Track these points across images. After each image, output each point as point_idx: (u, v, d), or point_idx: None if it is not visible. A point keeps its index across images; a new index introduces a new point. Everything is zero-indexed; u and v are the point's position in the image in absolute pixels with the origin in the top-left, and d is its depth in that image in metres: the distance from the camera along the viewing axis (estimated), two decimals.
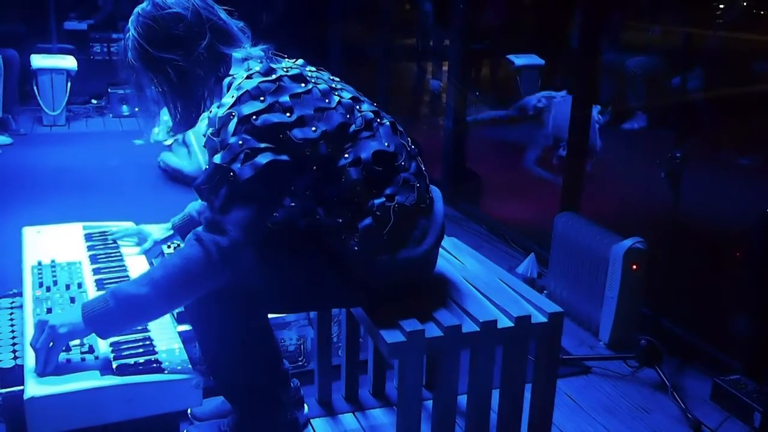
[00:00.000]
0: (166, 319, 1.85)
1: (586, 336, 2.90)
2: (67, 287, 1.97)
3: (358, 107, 1.81)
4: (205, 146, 1.72)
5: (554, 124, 4.70)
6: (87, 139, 5.64)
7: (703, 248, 3.13)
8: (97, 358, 1.65)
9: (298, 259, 1.80)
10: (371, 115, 1.82)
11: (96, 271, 2.10)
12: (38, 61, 5.91)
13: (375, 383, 2.39)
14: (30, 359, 1.60)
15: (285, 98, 1.69)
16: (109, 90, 6.52)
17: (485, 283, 2.00)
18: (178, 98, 1.80)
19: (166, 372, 1.62)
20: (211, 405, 2.16)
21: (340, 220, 1.74)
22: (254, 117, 1.64)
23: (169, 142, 4.57)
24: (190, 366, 1.67)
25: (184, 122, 1.84)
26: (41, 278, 2.01)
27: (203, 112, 1.81)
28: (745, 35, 3.72)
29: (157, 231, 2.28)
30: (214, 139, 1.68)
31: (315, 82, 1.77)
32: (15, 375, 1.67)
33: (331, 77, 1.88)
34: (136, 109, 6.19)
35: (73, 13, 7.42)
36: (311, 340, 2.40)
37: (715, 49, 3.79)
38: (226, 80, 1.77)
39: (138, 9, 1.78)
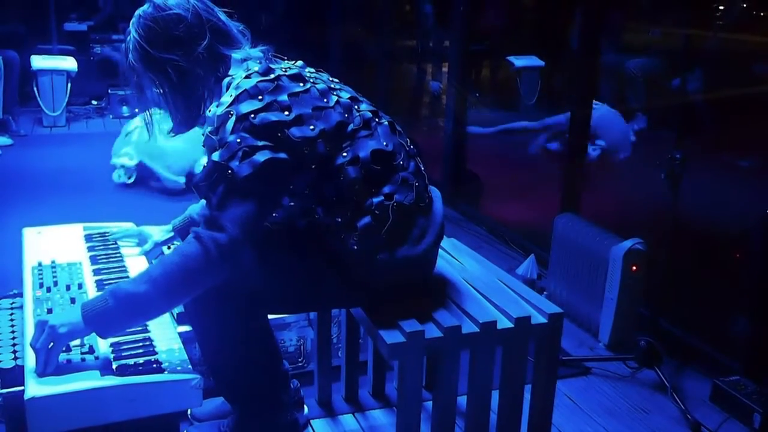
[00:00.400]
0: (166, 320, 1.85)
1: (586, 337, 2.90)
2: (68, 288, 1.97)
3: (356, 107, 1.82)
4: (203, 145, 1.72)
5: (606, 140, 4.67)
6: (87, 140, 5.65)
7: (702, 249, 3.13)
8: (97, 358, 1.65)
9: (297, 259, 1.80)
10: (369, 114, 1.83)
11: (96, 272, 2.10)
12: (38, 62, 5.92)
13: (375, 384, 2.39)
14: (30, 359, 1.60)
15: (283, 97, 1.69)
16: (109, 91, 6.53)
17: (485, 283, 2.00)
18: (178, 98, 1.80)
19: (166, 372, 1.63)
20: (211, 405, 2.16)
21: (339, 220, 1.75)
22: (252, 115, 1.65)
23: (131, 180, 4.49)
24: (190, 366, 1.67)
25: (184, 122, 1.85)
26: (41, 279, 2.02)
27: (203, 112, 1.81)
28: (745, 36, 3.73)
29: (158, 232, 2.28)
30: (213, 137, 1.68)
31: (313, 82, 1.78)
32: (15, 375, 1.67)
33: (330, 78, 1.89)
34: (136, 111, 6.19)
35: (73, 14, 7.42)
36: (311, 340, 2.40)
37: (715, 51, 3.80)
38: (225, 80, 1.78)
39: (139, 11, 1.79)
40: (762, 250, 2.54)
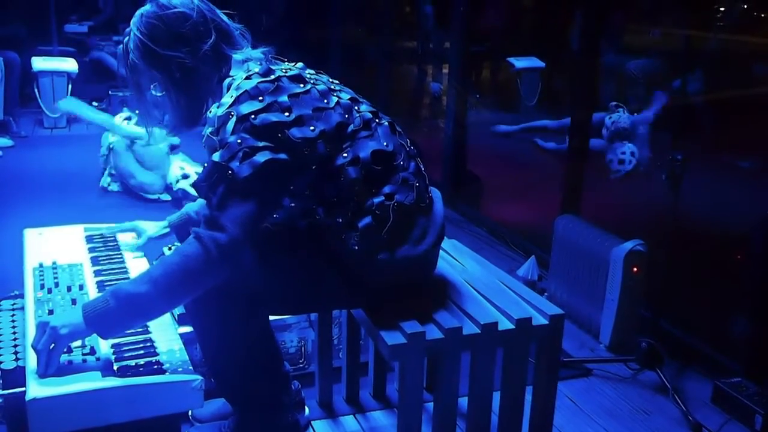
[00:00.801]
0: (167, 321, 1.85)
1: (587, 338, 2.90)
2: (69, 289, 1.97)
3: (356, 108, 1.82)
4: (204, 145, 1.72)
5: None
6: (88, 142, 5.64)
7: (703, 251, 3.13)
8: (98, 359, 1.65)
9: (298, 260, 1.80)
10: (369, 115, 1.83)
11: (97, 273, 2.10)
12: (39, 63, 5.92)
13: (376, 385, 2.39)
14: (31, 360, 1.60)
15: (284, 98, 1.70)
16: (109, 92, 6.53)
17: (486, 285, 2.00)
18: (180, 97, 1.80)
19: (167, 373, 1.63)
20: (212, 407, 2.16)
21: (340, 220, 1.75)
22: (253, 116, 1.65)
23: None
24: (191, 367, 1.67)
25: (184, 122, 1.84)
26: (43, 280, 2.02)
27: (205, 112, 1.81)
28: (745, 37, 3.73)
29: (152, 227, 2.28)
30: (213, 137, 1.69)
31: (314, 83, 1.78)
32: (16, 376, 1.66)
33: (330, 79, 1.89)
34: (136, 112, 6.19)
35: (73, 15, 7.42)
36: (312, 342, 2.40)
37: (715, 52, 3.80)
38: (226, 81, 1.78)
39: (141, 10, 1.79)
40: (763, 251, 2.54)
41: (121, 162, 4.34)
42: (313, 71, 1.87)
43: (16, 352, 1.80)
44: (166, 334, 1.79)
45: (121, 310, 1.59)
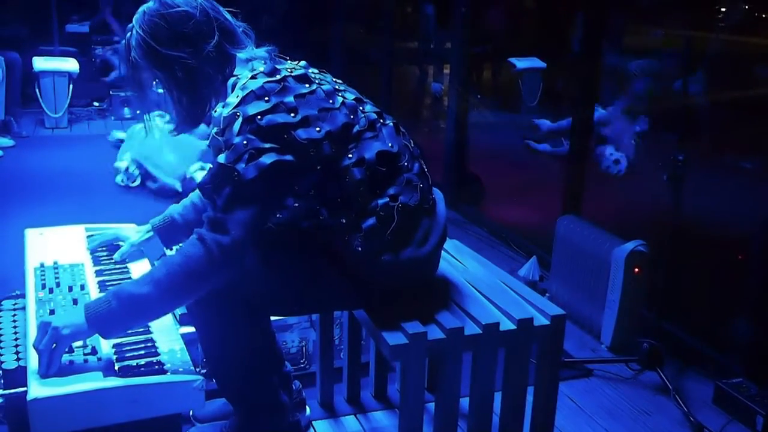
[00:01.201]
0: (169, 321, 1.85)
1: (588, 339, 2.90)
2: (70, 289, 1.97)
3: (361, 108, 1.81)
4: (209, 145, 1.72)
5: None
6: (89, 142, 5.65)
7: (705, 251, 3.13)
8: (99, 359, 1.65)
9: (301, 261, 1.80)
10: (374, 116, 1.82)
11: (98, 273, 2.10)
12: (40, 63, 5.92)
13: (377, 385, 2.39)
14: (33, 360, 1.60)
15: (290, 99, 1.69)
16: (111, 92, 6.54)
17: (487, 285, 2.00)
18: (184, 97, 1.78)
19: (168, 374, 1.62)
20: (212, 406, 2.16)
21: (344, 221, 1.74)
22: (259, 117, 1.65)
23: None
24: (192, 368, 1.67)
25: (188, 122, 1.84)
26: (44, 280, 2.01)
27: (208, 111, 1.80)
28: (746, 38, 3.73)
29: (135, 234, 2.21)
30: (218, 138, 1.68)
31: (319, 83, 1.77)
32: (18, 376, 1.66)
33: (334, 79, 1.88)
34: (138, 112, 6.19)
35: (75, 15, 7.41)
36: (313, 342, 2.40)
37: (717, 53, 3.80)
38: (231, 81, 1.77)
39: (144, 7, 1.77)
40: (764, 251, 2.54)
41: (147, 149, 4.36)
42: (316, 70, 1.86)
43: (17, 352, 1.80)
44: (168, 334, 1.79)
45: (123, 311, 1.59)
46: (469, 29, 4.35)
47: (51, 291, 1.95)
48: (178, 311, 2.07)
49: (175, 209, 2.16)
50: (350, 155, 1.74)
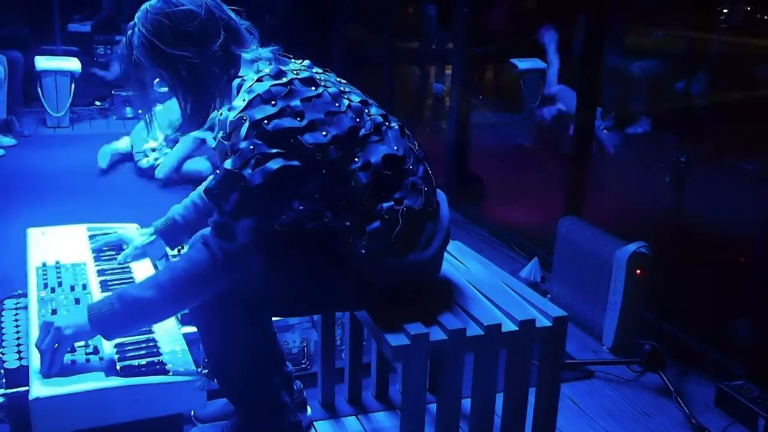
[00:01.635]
0: (171, 321, 1.85)
1: (590, 340, 2.90)
2: (72, 288, 1.97)
3: (366, 111, 1.80)
4: (215, 149, 1.71)
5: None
6: (91, 141, 5.65)
7: (707, 253, 3.12)
8: (101, 359, 1.65)
9: (304, 262, 1.80)
10: (380, 119, 1.81)
11: (100, 273, 2.10)
12: (42, 62, 5.92)
13: (378, 386, 2.39)
14: (35, 360, 1.60)
15: (296, 102, 1.67)
16: (112, 92, 6.54)
17: (489, 286, 2.00)
18: (188, 97, 1.76)
19: (170, 374, 1.62)
20: (214, 407, 2.16)
21: (348, 223, 1.74)
22: (266, 121, 1.63)
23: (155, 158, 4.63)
24: (194, 368, 1.67)
25: (192, 122, 1.82)
26: (46, 279, 2.01)
27: (212, 112, 1.79)
28: (748, 39, 3.72)
29: (138, 236, 2.20)
30: (225, 142, 1.67)
31: (325, 85, 1.75)
32: (20, 376, 1.66)
33: (339, 80, 1.87)
34: (140, 112, 6.20)
35: (77, 14, 7.41)
36: (314, 342, 2.40)
37: (719, 54, 3.79)
38: (236, 82, 1.75)
39: (147, 5, 1.73)
40: (766, 253, 2.54)
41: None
42: (320, 70, 1.85)
43: (19, 352, 1.80)
44: (169, 335, 1.79)
45: (126, 314, 1.59)
46: (471, 30, 4.35)
47: (53, 290, 1.95)
48: (181, 312, 2.07)
49: (176, 210, 2.15)
50: (356, 159, 1.73)
